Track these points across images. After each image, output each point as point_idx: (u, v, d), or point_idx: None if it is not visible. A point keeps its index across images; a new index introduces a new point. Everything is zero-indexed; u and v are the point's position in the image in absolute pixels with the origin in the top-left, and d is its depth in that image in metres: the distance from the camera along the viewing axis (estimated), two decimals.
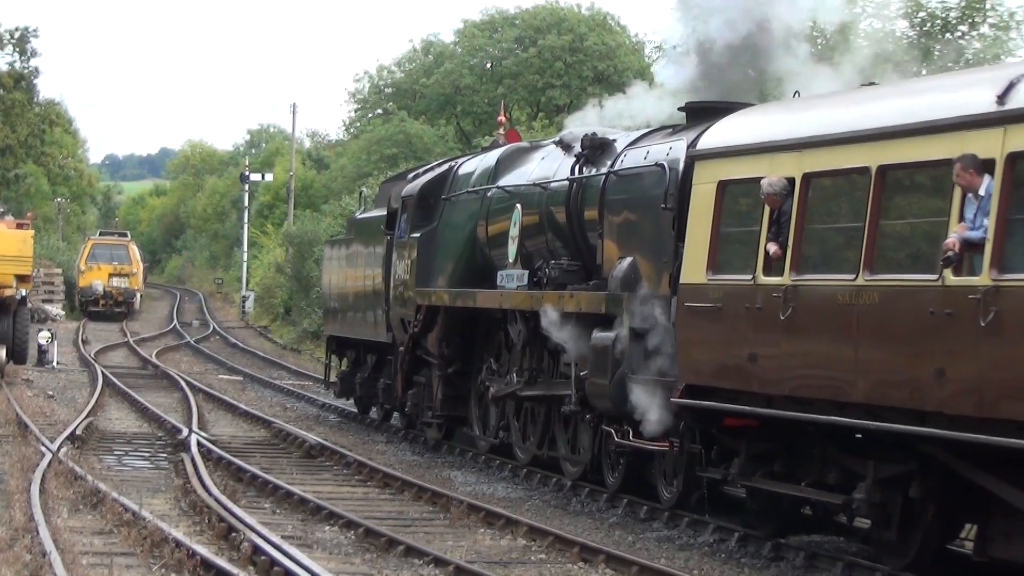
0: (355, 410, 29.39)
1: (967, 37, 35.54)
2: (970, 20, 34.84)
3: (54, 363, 39.97)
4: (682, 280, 16.01)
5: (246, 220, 79.73)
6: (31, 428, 23.69)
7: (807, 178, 14.26)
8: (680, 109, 18.69)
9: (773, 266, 14.50)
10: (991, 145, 12.06)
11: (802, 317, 14.01)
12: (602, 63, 66.49)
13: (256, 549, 14.12)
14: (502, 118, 27.76)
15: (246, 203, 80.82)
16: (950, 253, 12.16)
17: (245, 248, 78.41)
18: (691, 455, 16.52)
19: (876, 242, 13.23)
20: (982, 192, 12.14)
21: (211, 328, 62.27)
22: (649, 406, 16.95)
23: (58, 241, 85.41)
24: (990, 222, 11.96)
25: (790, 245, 14.29)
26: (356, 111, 74.77)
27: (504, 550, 15.61)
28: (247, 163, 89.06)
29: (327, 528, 16.61)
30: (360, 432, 27.16)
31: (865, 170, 13.40)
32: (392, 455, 23.71)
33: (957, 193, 12.35)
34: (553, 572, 14.61)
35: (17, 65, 64.15)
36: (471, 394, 23.06)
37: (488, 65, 70.12)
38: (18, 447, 21.61)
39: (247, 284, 75.14)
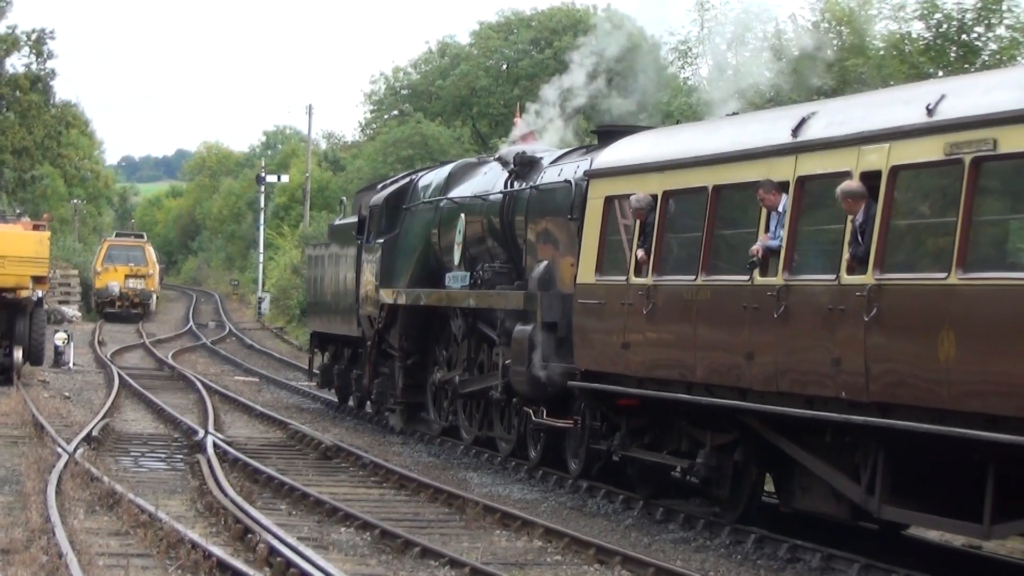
0: (368, 411, 30.73)
1: (983, 39, 37.70)
2: (986, 22, 36.65)
3: (70, 364, 41.52)
4: (578, 280, 19.73)
5: (262, 221, 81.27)
6: (47, 429, 24.43)
7: (666, 195, 17.96)
8: (592, 132, 22.42)
9: (641, 269, 18.19)
10: (786, 170, 15.72)
11: (659, 312, 17.69)
12: (618, 65, 69.31)
13: (272, 550, 14.60)
14: (518, 119, 31.00)
15: (262, 204, 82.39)
16: (754, 258, 15.85)
17: (261, 249, 79.95)
18: (592, 431, 20.19)
19: (710, 248, 16.91)
20: (780, 208, 15.80)
21: (227, 329, 64.16)
22: (557, 389, 20.77)
23: (74, 242, 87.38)
24: (784, 233, 15.63)
25: (653, 251, 17.96)
26: (372, 112, 77.64)
27: (520, 551, 16.23)
28: (263, 164, 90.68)
29: (343, 529, 17.20)
30: (376, 433, 28.08)
31: (704, 189, 17.09)
32: (408, 456, 24.57)
33: (764, 208, 16.04)
34: (569, 574, 15.26)
35: (34, 67, 66.66)
36: (427, 383, 26.83)
37: (504, 67, 72.70)
38: (34, 448, 22.31)
39: (263, 285, 76.61)
